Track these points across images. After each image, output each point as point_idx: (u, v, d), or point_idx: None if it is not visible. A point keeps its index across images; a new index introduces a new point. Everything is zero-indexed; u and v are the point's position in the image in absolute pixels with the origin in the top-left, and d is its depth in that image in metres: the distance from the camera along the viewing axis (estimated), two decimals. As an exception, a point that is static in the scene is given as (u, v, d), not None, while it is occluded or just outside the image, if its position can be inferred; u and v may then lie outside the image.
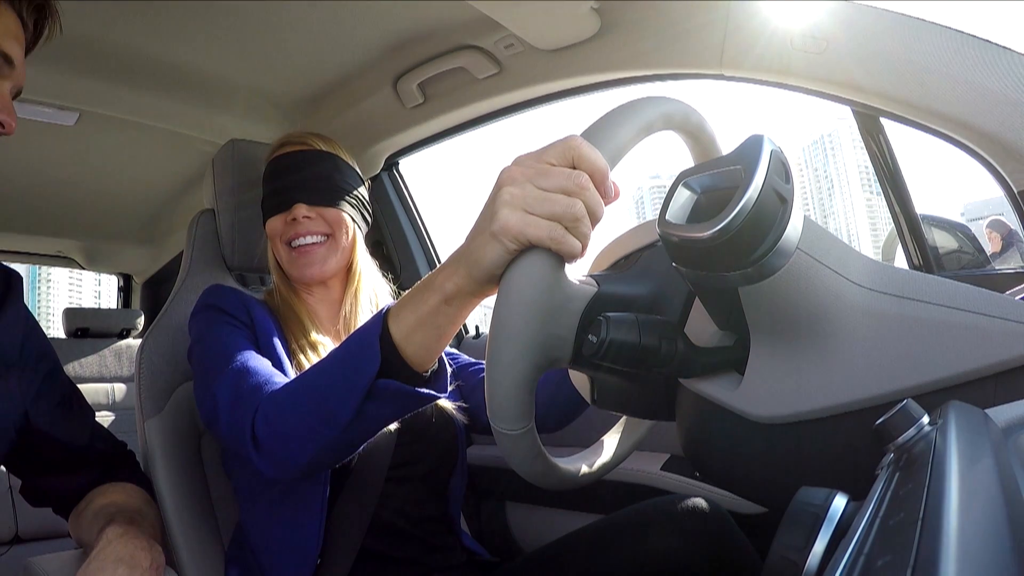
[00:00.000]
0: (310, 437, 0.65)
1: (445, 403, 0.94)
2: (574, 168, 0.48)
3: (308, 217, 0.96)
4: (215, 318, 0.88)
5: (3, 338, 0.80)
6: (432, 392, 0.62)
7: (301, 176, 0.97)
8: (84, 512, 0.82)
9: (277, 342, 0.88)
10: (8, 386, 0.79)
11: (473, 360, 1.06)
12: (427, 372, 0.62)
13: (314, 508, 0.83)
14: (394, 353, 0.59)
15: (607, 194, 0.49)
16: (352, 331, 0.99)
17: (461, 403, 0.99)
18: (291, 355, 0.89)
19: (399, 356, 0.59)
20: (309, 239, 0.96)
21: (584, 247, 0.50)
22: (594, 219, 0.50)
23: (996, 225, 1.09)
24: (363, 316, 1.00)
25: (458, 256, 0.54)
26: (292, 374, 0.85)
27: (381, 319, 0.60)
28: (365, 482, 0.86)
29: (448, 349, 1.06)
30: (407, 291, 0.60)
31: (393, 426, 0.79)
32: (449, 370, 0.66)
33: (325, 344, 0.93)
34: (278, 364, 0.84)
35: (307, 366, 0.85)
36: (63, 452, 0.84)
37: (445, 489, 0.96)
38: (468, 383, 1.01)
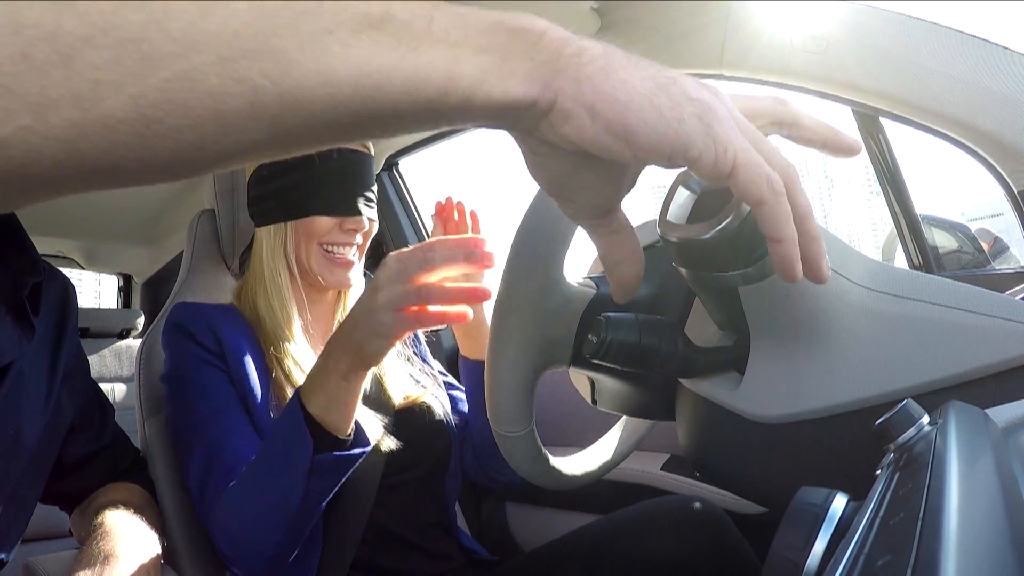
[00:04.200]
0: (269, 526, 0.71)
1: (437, 408, 0.93)
2: None
3: (364, 228, 0.90)
4: (187, 348, 0.84)
5: (68, 354, 0.79)
6: (362, 449, 0.72)
7: (363, 181, 0.90)
8: (87, 510, 0.83)
9: (249, 361, 0.84)
10: (63, 402, 0.77)
11: (455, 384, 1.06)
12: (350, 434, 0.71)
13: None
14: (318, 429, 0.68)
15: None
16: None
17: (462, 412, 1.00)
18: (268, 368, 0.85)
19: (323, 430, 0.68)
20: (349, 250, 0.90)
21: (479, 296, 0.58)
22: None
23: (982, 234, 1.14)
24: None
25: (343, 341, 0.65)
26: (269, 395, 0.82)
27: (298, 403, 0.69)
28: (359, 489, 0.84)
29: (440, 368, 1.08)
30: (309, 373, 0.70)
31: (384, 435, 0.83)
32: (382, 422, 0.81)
33: (303, 352, 0.88)
34: (251, 390, 0.82)
35: (284, 380, 0.83)
36: (86, 453, 0.85)
37: (440, 491, 0.95)
38: (462, 417, 1.02)
